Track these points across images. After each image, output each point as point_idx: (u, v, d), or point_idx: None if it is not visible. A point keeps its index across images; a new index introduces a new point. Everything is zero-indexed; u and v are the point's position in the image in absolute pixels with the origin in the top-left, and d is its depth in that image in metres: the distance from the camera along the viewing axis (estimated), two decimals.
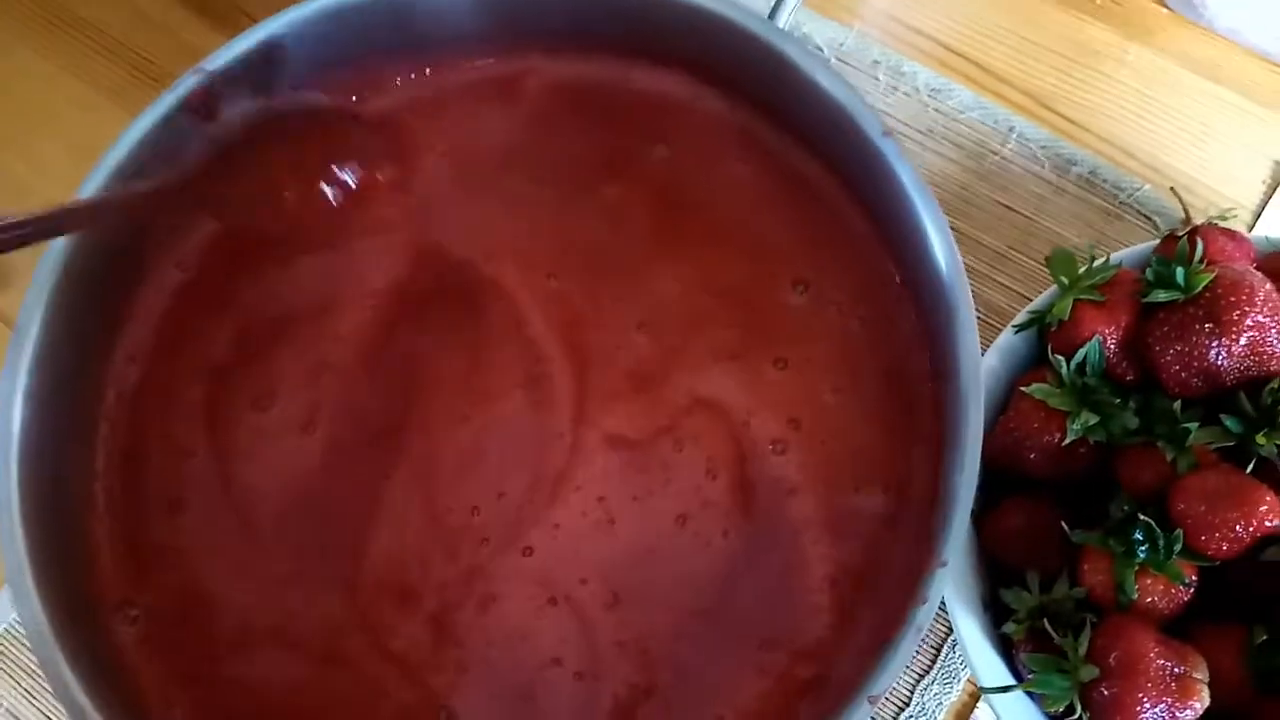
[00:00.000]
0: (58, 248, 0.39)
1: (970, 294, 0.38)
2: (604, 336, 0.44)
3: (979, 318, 0.53)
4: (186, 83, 0.42)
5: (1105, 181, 0.56)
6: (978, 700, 0.48)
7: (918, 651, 0.49)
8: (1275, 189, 0.56)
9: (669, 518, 0.42)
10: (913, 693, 0.48)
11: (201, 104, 0.42)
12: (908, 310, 0.43)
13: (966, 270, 0.54)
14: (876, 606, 0.40)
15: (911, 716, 0.48)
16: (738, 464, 0.42)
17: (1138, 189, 0.56)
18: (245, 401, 0.43)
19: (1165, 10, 0.60)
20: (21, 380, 0.38)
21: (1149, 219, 0.56)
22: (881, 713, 0.48)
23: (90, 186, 0.40)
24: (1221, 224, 0.45)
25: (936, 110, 0.58)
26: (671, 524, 0.42)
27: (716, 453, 0.42)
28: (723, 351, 0.44)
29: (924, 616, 0.34)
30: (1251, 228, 0.56)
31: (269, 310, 0.44)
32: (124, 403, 0.43)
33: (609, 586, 0.41)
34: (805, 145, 0.45)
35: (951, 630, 0.49)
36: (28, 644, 0.45)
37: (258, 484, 0.42)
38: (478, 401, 0.43)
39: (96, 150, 0.41)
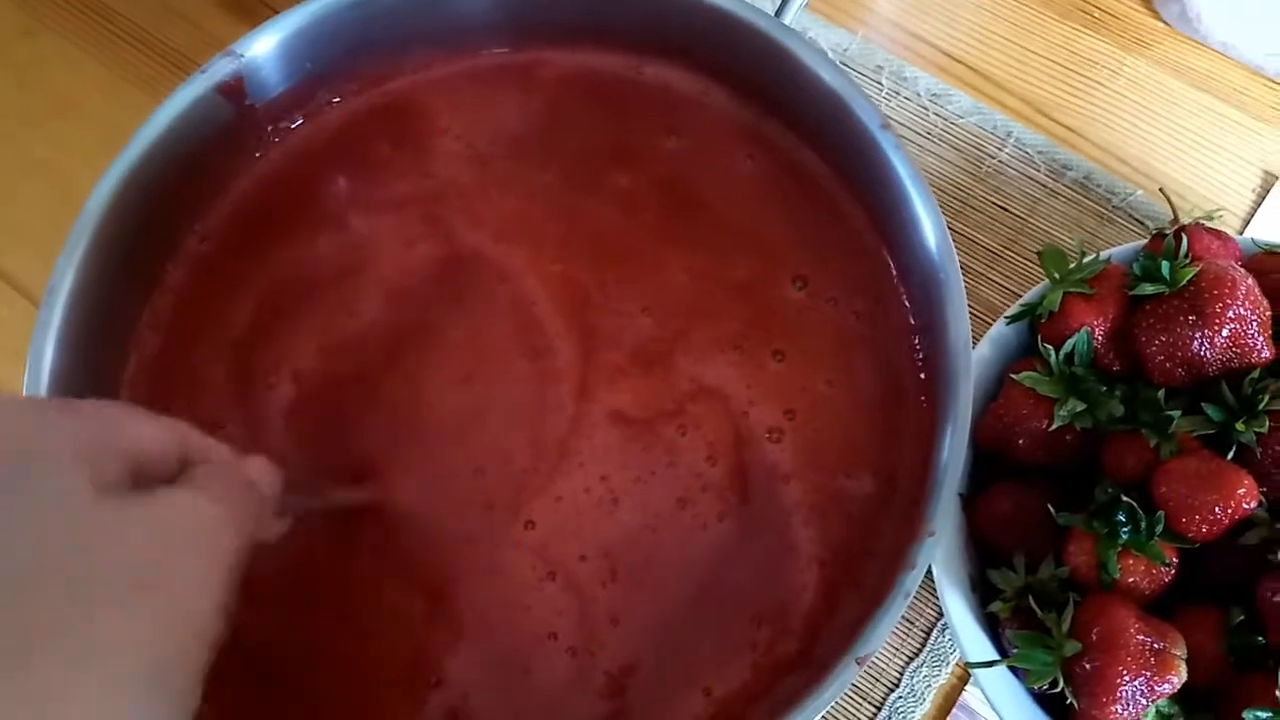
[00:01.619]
0: (91, 212, 0.41)
1: (960, 274, 0.40)
2: (609, 319, 0.45)
3: (973, 314, 0.56)
4: (218, 65, 0.44)
5: (1099, 186, 0.58)
6: (966, 682, 0.49)
7: (908, 635, 0.50)
8: (1264, 197, 0.58)
9: (670, 499, 0.43)
10: (902, 674, 0.50)
11: (233, 87, 0.44)
12: (901, 298, 0.44)
13: (962, 268, 0.56)
14: (863, 586, 0.41)
15: (901, 697, 0.49)
16: (735, 450, 0.43)
17: (1130, 194, 0.57)
18: (260, 373, 0.45)
19: (1161, 24, 0.62)
20: (51, 337, 0.39)
21: (1140, 223, 0.57)
22: (871, 693, 0.49)
23: (120, 165, 0.42)
24: (1208, 224, 0.46)
25: (937, 115, 0.60)
26: (672, 505, 0.43)
27: (717, 438, 0.44)
28: (726, 342, 0.45)
29: (911, 582, 0.35)
30: (1241, 234, 0.57)
31: (287, 283, 0.46)
32: (144, 371, 0.44)
33: (608, 563, 0.42)
34: (806, 137, 0.46)
35: (941, 614, 0.50)
36: None
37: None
38: (481, 363, 0.44)
39: (122, 134, 0.42)
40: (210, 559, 0.26)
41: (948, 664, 0.49)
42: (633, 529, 0.43)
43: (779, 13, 0.44)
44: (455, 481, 0.43)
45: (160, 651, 0.24)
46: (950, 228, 0.56)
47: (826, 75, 0.42)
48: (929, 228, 0.41)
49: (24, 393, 0.39)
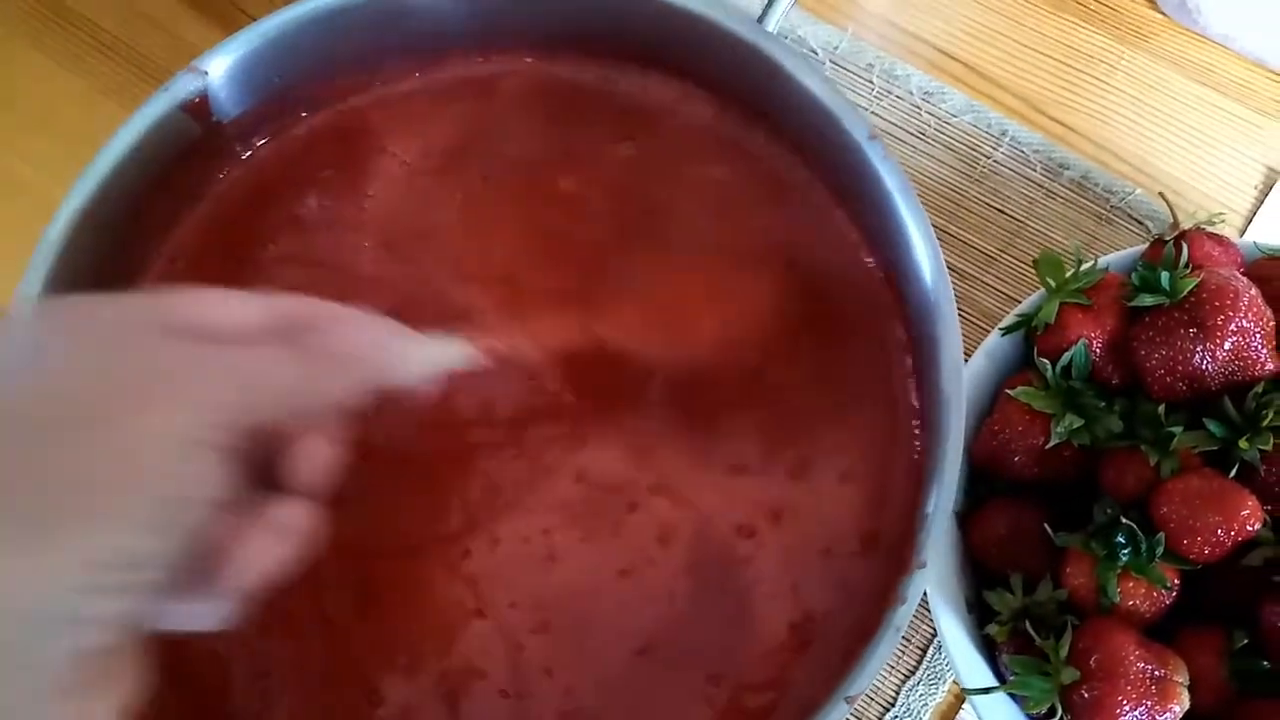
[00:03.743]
0: (51, 242, 0.39)
1: (953, 299, 0.38)
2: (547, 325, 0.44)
3: (968, 319, 0.54)
4: (181, 81, 0.42)
5: (1097, 185, 0.56)
6: (962, 702, 0.48)
7: (903, 653, 0.49)
8: (1267, 194, 0.56)
9: (612, 570, 0.41)
10: (898, 694, 0.48)
11: (198, 105, 0.42)
12: (893, 316, 0.43)
13: (956, 272, 0.55)
14: (843, 631, 0.39)
15: (897, 717, 0.48)
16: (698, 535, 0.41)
17: (1129, 193, 0.56)
18: None
19: (1159, 16, 0.60)
20: None
21: (1140, 223, 0.56)
22: (867, 713, 0.48)
23: (85, 185, 0.40)
24: (1209, 229, 0.45)
25: (929, 114, 0.58)
26: (614, 576, 0.41)
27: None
28: None
29: (902, 617, 0.34)
30: (1243, 232, 0.56)
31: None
32: None
33: (539, 615, 0.40)
34: (793, 147, 0.45)
35: (937, 633, 0.49)
36: None
37: None
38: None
39: (94, 146, 0.41)
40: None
41: (944, 683, 0.48)
42: (570, 587, 0.41)
43: (762, 18, 0.42)
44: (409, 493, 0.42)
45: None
46: (944, 231, 0.56)
47: (812, 84, 0.41)
48: (919, 242, 0.39)
49: None
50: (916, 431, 0.41)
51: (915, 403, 0.42)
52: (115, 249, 0.43)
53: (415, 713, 0.39)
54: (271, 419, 0.27)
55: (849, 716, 0.48)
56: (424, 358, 0.32)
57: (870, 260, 0.44)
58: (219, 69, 0.42)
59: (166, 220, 0.45)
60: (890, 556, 0.38)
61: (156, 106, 0.42)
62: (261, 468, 0.27)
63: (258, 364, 0.27)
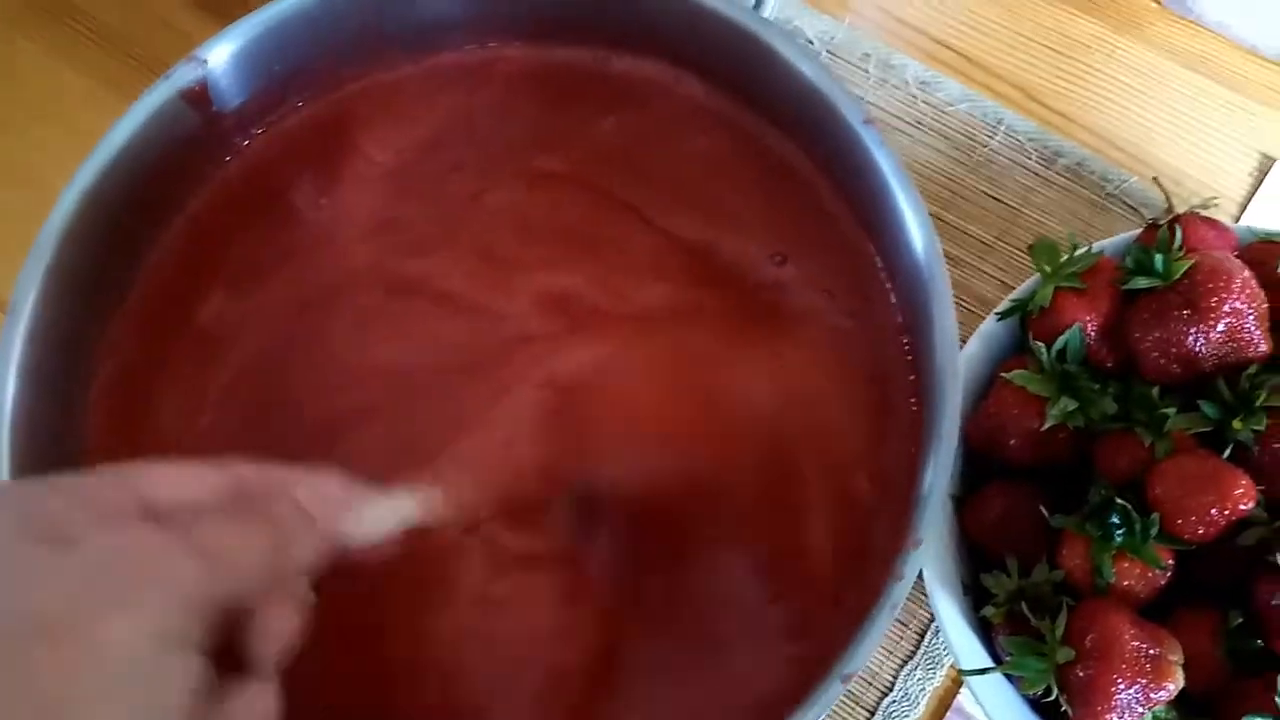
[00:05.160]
0: (49, 235, 0.40)
1: (948, 278, 0.38)
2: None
3: (965, 307, 0.55)
4: (182, 69, 0.42)
5: (1092, 173, 0.56)
6: (960, 685, 0.49)
7: (901, 637, 0.49)
8: (1262, 181, 0.57)
9: None
10: (896, 677, 0.49)
11: (197, 94, 0.43)
12: (889, 295, 0.43)
13: (953, 260, 0.55)
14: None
15: (895, 701, 0.48)
16: None
17: (1125, 180, 0.56)
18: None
19: (1154, 4, 0.60)
20: (12, 371, 0.38)
21: (1135, 210, 0.56)
22: (865, 698, 0.49)
23: (86, 173, 0.41)
24: (1204, 213, 0.45)
25: (926, 103, 0.59)
26: None
27: None
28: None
29: (899, 593, 0.34)
30: (1238, 219, 0.56)
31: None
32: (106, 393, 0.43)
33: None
34: (788, 132, 0.45)
35: (934, 616, 0.49)
36: None
37: None
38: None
39: (95, 137, 0.41)
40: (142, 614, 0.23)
41: (942, 667, 0.49)
42: None
43: (758, 5, 0.43)
44: None
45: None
46: (941, 219, 0.56)
47: (807, 70, 0.41)
48: (914, 226, 0.39)
49: None
50: (914, 410, 0.41)
51: (911, 381, 0.42)
52: (116, 237, 0.43)
53: None
54: (239, 596, 0.26)
55: (846, 700, 0.48)
56: (378, 517, 0.32)
57: (866, 241, 0.44)
58: (219, 57, 0.43)
59: (167, 209, 0.45)
60: (893, 524, 0.38)
61: (157, 95, 0.42)
62: (221, 641, 0.26)
63: (222, 541, 0.26)
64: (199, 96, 0.43)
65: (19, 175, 0.59)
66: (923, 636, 0.49)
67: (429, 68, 0.47)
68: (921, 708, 0.48)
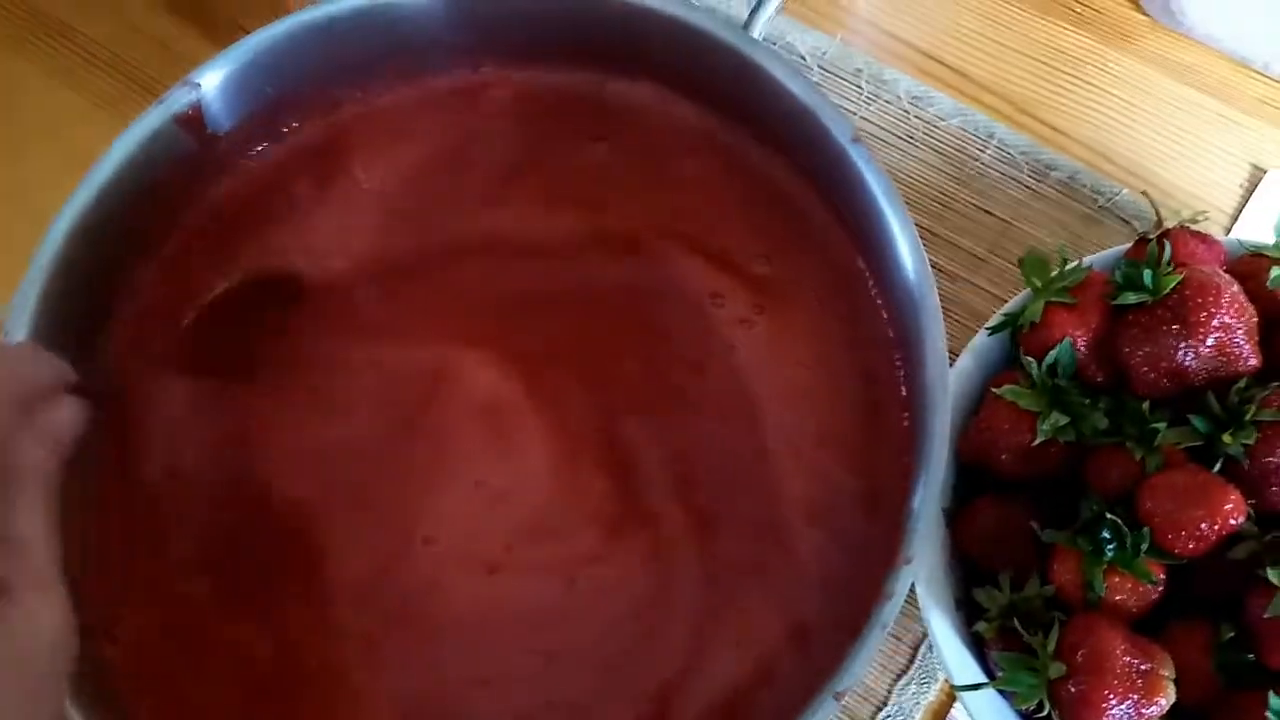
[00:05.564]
0: (40, 266, 0.40)
1: (937, 297, 0.39)
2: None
3: (958, 320, 0.55)
4: (175, 94, 0.43)
5: (1084, 186, 0.57)
6: (954, 700, 0.49)
7: (895, 652, 0.49)
8: (1253, 193, 0.57)
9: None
10: (890, 692, 0.49)
11: (191, 118, 0.43)
12: (880, 311, 0.43)
13: (946, 274, 0.55)
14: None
15: (889, 716, 0.48)
16: None
17: (1116, 193, 0.56)
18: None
19: (1143, 17, 0.61)
20: None
21: (1127, 223, 0.56)
22: (859, 712, 0.49)
23: (81, 195, 0.41)
24: (1193, 226, 0.45)
25: (917, 118, 0.59)
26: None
27: None
28: None
29: (889, 613, 0.34)
30: (1229, 230, 0.56)
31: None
32: None
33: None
34: (779, 150, 0.45)
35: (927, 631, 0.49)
36: None
37: None
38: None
39: (91, 158, 0.42)
40: None
41: (936, 681, 0.49)
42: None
43: (748, 24, 0.43)
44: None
45: None
46: (933, 232, 0.56)
47: (796, 89, 0.41)
48: (903, 243, 0.39)
49: None
50: (905, 426, 0.41)
51: (903, 396, 0.42)
52: (109, 261, 0.43)
53: None
54: None
55: (841, 715, 0.49)
56: None
57: (856, 259, 0.44)
58: (212, 81, 0.43)
59: (161, 232, 0.46)
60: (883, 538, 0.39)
61: (151, 120, 0.42)
62: None
63: None
64: (193, 120, 0.43)
65: (17, 196, 0.59)
66: (916, 651, 0.49)
67: (421, 91, 0.47)
68: None
